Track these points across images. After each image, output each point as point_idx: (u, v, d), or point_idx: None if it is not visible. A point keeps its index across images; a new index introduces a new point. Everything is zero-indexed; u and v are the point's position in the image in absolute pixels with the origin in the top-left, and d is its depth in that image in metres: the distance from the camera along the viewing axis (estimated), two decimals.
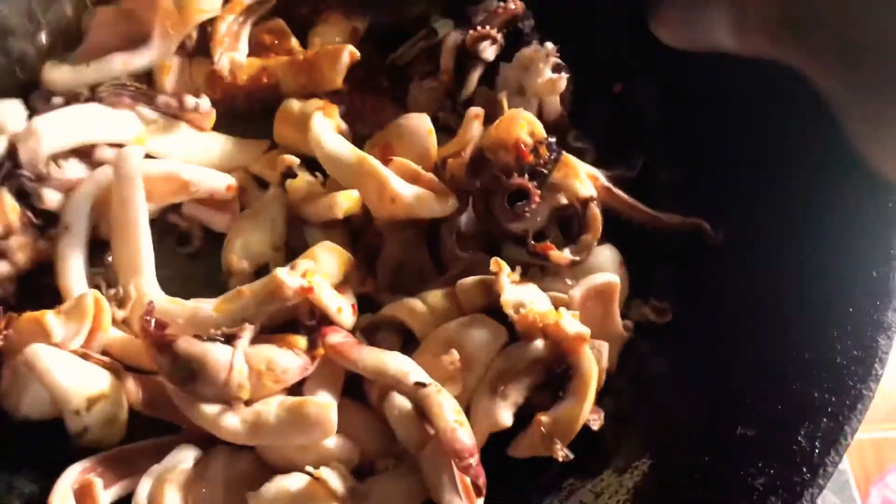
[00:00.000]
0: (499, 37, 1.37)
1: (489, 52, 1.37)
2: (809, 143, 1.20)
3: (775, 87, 1.19)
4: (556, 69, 1.32)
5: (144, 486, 1.12)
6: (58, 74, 1.32)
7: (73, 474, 1.13)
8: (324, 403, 1.10)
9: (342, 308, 1.19)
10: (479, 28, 1.36)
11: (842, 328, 1.11)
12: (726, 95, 1.30)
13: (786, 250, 1.19)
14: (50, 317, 1.15)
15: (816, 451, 1.06)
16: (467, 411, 1.12)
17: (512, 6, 1.38)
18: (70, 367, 1.14)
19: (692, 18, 1.16)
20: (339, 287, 1.22)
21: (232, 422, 1.10)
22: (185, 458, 1.14)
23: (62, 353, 1.15)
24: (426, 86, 1.40)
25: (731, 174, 1.28)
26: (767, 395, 1.13)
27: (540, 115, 1.32)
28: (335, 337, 1.15)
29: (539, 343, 1.14)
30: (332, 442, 1.11)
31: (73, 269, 1.23)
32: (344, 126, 1.34)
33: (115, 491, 1.13)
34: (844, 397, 1.08)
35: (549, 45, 1.33)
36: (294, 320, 1.20)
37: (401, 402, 1.13)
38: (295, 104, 1.34)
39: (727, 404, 1.15)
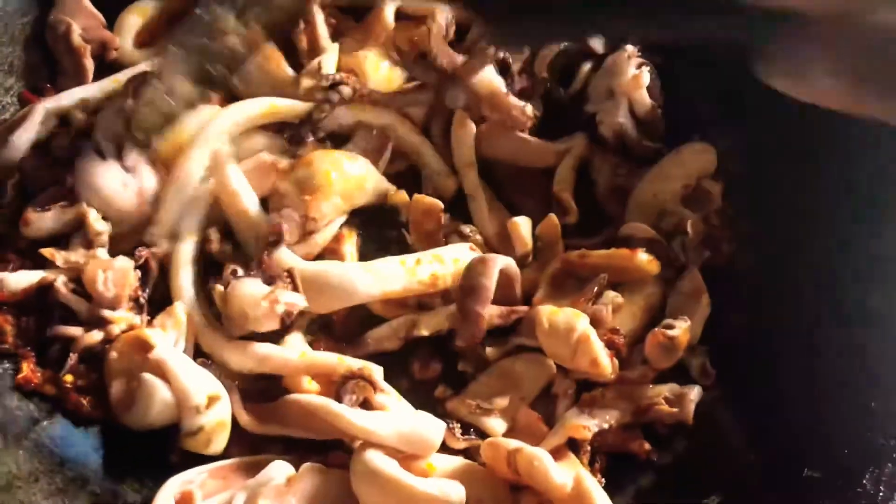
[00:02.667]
0: None
1: (597, 42, 1.46)
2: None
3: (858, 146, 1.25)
4: (639, 67, 1.42)
5: (239, 499, 1.18)
6: None
7: (174, 485, 1.19)
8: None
9: None
10: None
11: None
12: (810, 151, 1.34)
13: (858, 303, 1.23)
14: (150, 331, 1.24)
15: (881, 494, 1.10)
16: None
17: None
18: (191, 366, 1.23)
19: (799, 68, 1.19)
20: None
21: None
22: (277, 474, 1.19)
23: (182, 354, 1.23)
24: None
25: (809, 223, 1.31)
26: (834, 440, 1.17)
27: (632, 114, 1.42)
28: None
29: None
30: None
31: (184, 274, 1.32)
32: None
33: (213, 503, 1.20)
34: None
35: (630, 47, 1.43)
36: None
37: None
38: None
39: (795, 448, 1.19)
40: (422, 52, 1.40)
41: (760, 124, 1.39)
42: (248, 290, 1.22)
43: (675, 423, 1.25)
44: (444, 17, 1.45)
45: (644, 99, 1.43)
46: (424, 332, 1.26)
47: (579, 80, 1.48)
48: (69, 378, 1.25)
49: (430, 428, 1.18)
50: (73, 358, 1.25)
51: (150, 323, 1.27)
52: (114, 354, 1.25)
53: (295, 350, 1.24)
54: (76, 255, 1.27)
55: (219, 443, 1.23)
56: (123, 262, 1.27)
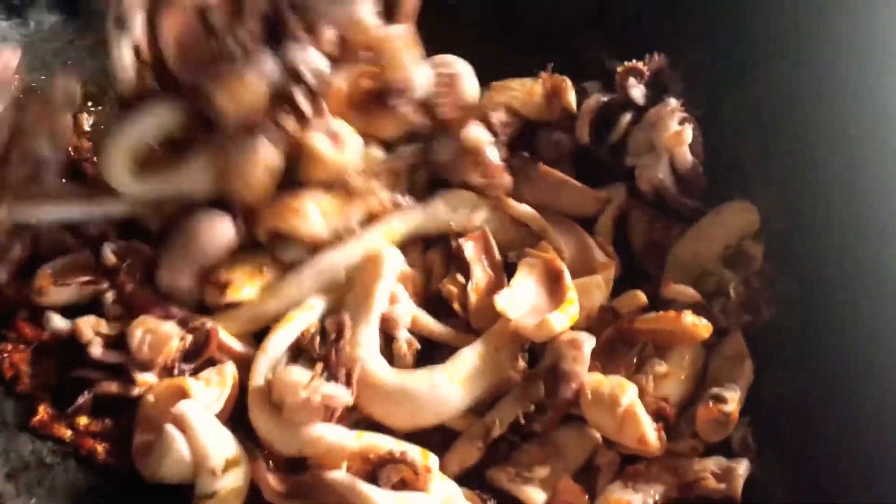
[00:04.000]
0: (645, 70, 1.43)
1: (636, 91, 1.42)
2: None
3: None
4: (682, 122, 1.39)
5: None
6: None
7: None
8: None
9: None
10: (626, 63, 1.43)
11: None
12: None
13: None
14: (192, 382, 1.19)
15: None
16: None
17: (657, 58, 1.44)
18: (214, 427, 1.17)
19: None
20: None
21: None
22: None
23: (207, 413, 1.18)
24: (555, 139, 1.46)
25: (850, 283, 1.29)
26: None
27: (672, 170, 1.39)
28: None
29: None
30: None
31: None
32: None
33: None
34: None
35: (673, 101, 1.39)
36: None
37: None
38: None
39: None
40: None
41: (802, 182, 1.37)
42: (292, 377, 1.17)
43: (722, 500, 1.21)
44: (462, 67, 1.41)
45: (686, 155, 1.40)
46: (500, 433, 1.21)
47: (618, 131, 1.43)
48: (83, 420, 1.20)
49: None
50: (86, 397, 1.20)
51: (195, 374, 1.23)
52: (150, 398, 1.20)
53: (351, 434, 1.18)
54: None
55: None
56: (168, 329, 1.22)
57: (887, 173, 1.27)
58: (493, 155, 1.37)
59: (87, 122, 1.36)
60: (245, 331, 1.28)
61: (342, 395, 1.16)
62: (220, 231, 1.26)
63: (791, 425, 1.28)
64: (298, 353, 1.26)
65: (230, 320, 1.27)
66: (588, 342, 1.23)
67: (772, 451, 1.26)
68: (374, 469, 1.14)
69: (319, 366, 1.18)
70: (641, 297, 1.31)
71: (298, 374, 1.18)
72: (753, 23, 1.43)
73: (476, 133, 1.37)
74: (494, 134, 1.40)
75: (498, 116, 1.42)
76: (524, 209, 1.37)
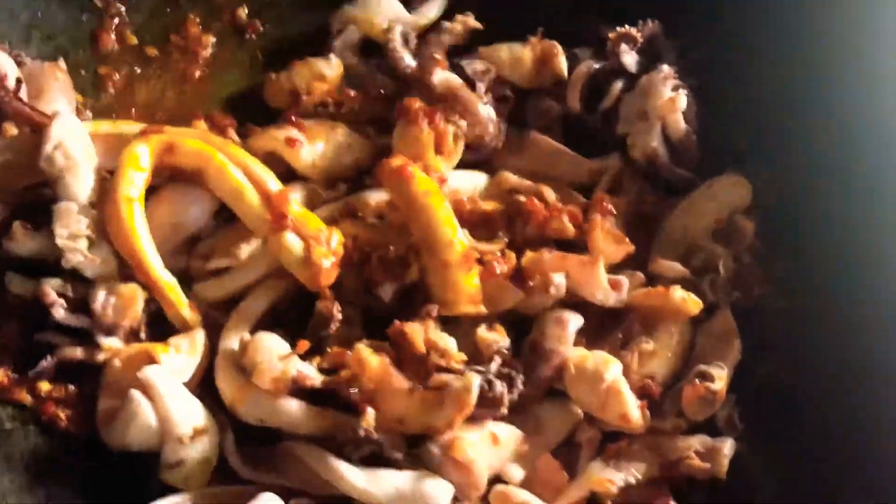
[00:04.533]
0: (638, 37, 1.39)
1: (628, 58, 1.39)
2: None
3: None
4: (675, 89, 1.35)
5: None
6: None
7: None
8: None
9: None
10: (618, 29, 1.39)
11: None
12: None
13: (891, 351, 1.19)
14: (158, 347, 1.16)
15: None
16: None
17: (650, 24, 1.40)
18: (182, 395, 1.15)
19: None
20: None
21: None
22: None
23: (175, 379, 1.15)
24: (544, 106, 1.42)
25: (843, 263, 1.27)
26: (868, 497, 1.13)
27: (666, 139, 1.35)
28: None
29: None
30: None
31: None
32: None
33: None
34: None
35: (667, 67, 1.36)
36: None
37: None
38: None
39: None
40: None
41: (797, 158, 1.34)
42: (270, 343, 1.15)
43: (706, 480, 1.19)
44: (400, 25, 1.39)
45: (679, 123, 1.36)
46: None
47: (610, 98, 1.40)
48: (45, 386, 1.18)
49: (437, 490, 1.11)
50: (49, 361, 1.17)
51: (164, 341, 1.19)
52: (116, 364, 1.17)
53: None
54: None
55: (197, 480, 1.15)
56: (130, 290, 1.18)
57: (881, 153, 1.25)
58: (475, 99, 1.34)
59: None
60: (228, 297, 1.25)
61: (314, 378, 1.14)
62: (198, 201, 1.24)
63: (778, 405, 1.26)
64: (276, 323, 1.23)
65: (214, 287, 1.25)
66: (574, 321, 1.21)
67: (757, 431, 1.24)
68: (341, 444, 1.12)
69: (305, 343, 1.16)
70: (640, 276, 1.27)
71: (275, 343, 1.15)
72: None
73: (445, 76, 1.34)
74: (472, 84, 1.35)
75: (473, 66, 1.37)
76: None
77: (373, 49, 1.44)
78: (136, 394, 1.12)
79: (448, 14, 1.45)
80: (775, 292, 1.32)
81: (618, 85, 1.39)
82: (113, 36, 1.35)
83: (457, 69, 1.36)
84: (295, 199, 1.24)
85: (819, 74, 1.32)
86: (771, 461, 1.23)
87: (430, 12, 1.45)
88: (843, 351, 1.23)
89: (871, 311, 1.22)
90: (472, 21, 1.37)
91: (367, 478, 1.10)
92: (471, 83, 1.35)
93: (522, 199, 1.28)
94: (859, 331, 1.23)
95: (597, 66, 1.40)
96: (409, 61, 1.37)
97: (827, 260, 1.29)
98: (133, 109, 1.38)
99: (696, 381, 1.20)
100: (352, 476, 1.10)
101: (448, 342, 1.15)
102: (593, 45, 1.43)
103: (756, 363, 1.28)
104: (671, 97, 1.34)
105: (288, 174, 1.31)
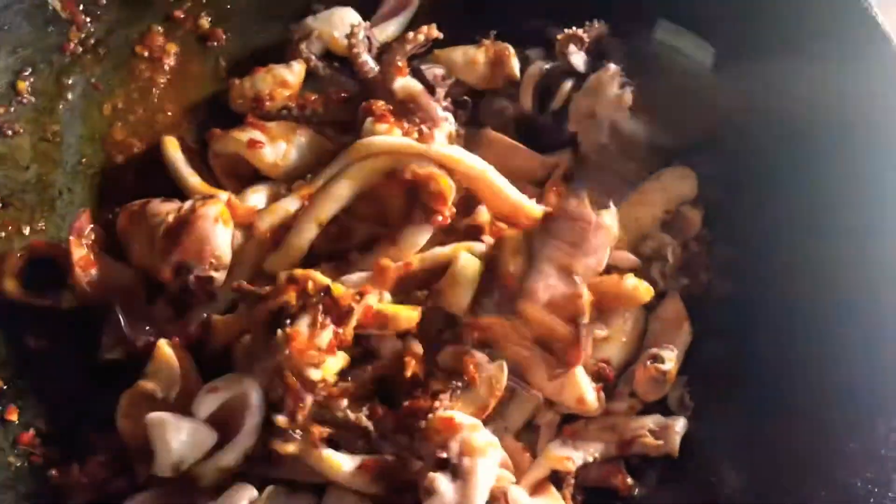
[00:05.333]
0: (585, 38, 1.43)
1: (577, 58, 1.43)
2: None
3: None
4: (623, 87, 1.40)
5: None
6: None
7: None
8: None
9: None
10: (566, 31, 1.43)
11: (888, 420, 1.15)
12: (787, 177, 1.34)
13: (835, 336, 1.23)
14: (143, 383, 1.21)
15: None
16: None
17: (597, 25, 1.44)
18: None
19: None
20: None
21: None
22: (240, 497, 1.16)
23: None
24: (498, 106, 1.47)
25: (787, 251, 1.31)
26: (809, 481, 1.17)
27: (614, 135, 1.40)
28: None
29: None
30: None
31: None
32: None
33: None
34: (886, 489, 1.12)
35: (613, 66, 1.40)
36: None
37: None
38: None
39: (769, 487, 1.20)
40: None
41: (738, 151, 1.39)
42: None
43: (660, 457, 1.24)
44: (363, 30, 1.42)
45: (626, 120, 1.41)
46: None
47: (560, 97, 1.44)
48: None
49: None
50: None
51: None
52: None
53: None
54: None
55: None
56: None
57: (826, 141, 1.28)
58: (434, 107, 1.38)
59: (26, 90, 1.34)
60: None
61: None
62: None
63: (727, 386, 1.30)
64: None
65: None
66: None
67: (708, 411, 1.29)
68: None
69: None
70: None
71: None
72: None
73: (407, 82, 1.38)
74: (431, 89, 1.40)
75: (432, 71, 1.42)
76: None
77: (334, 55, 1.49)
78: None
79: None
80: (722, 279, 1.37)
81: (567, 84, 1.44)
82: (80, 47, 1.37)
83: (417, 73, 1.40)
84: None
85: (763, 69, 1.35)
86: (721, 439, 1.27)
87: (390, 29, 1.49)
88: (786, 334, 1.28)
89: (813, 297, 1.26)
90: (434, 31, 1.41)
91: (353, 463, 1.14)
92: (430, 88, 1.39)
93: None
94: (802, 315, 1.27)
95: (547, 66, 1.45)
96: (371, 65, 1.40)
97: (770, 247, 1.33)
98: (100, 116, 1.41)
99: (648, 363, 1.25)
100: (345, 463, 1.14)
101: None
102: (543, 46, 1.47)
103: (705, 347, 1.33)
104: (618, 94, 1.39)
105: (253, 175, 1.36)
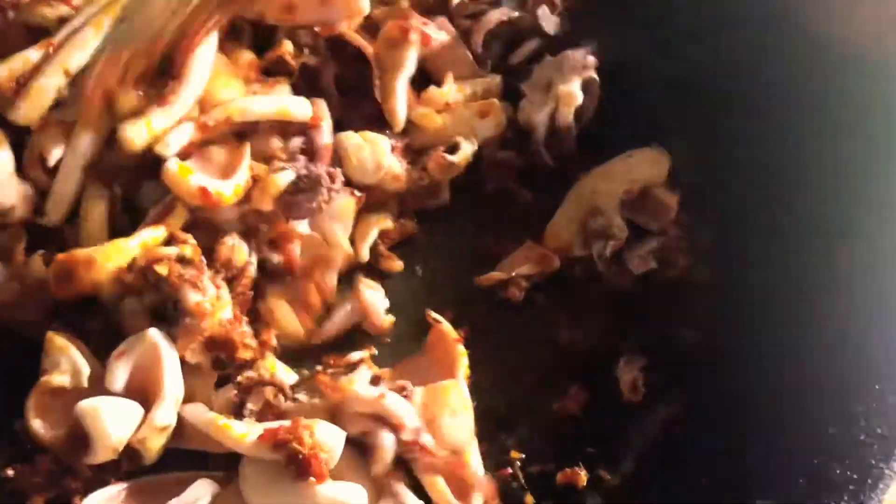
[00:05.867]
0: (559, 3, 1.42)
1: (548, 22, 1.41)
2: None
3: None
4: (586, 83, 1.37)
5: None
6: None
7: (94, 503, 1.13)
8: None
9: None
10: None
11: (867, 405, 1.12)
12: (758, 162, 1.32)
13: (814, 322, 1.21)
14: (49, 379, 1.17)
15: None
16: None
17: None
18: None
19: None
20: None
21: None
22: (203, 493, 1.14)
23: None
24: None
25: (765, 237, 1.30)
26: (787, 467, 1.13)
27: (551, 121, 1.38)
28: None
29: None
30: None
31: None
32: None
33: None
34: (865, 475, 1.09)
35: (592, 59, 1.38)
36: None
37: None
38: None
39: (747, 474, 1.16)
40: None
41: (715, 136, 1.37)
42: None
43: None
44: None
45: (568, 116, 1.38)
46: None
47: (518, 56, 1.44)
48: None
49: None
50: None
51: None
52: None
53: None
54: None
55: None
56: None
57: (804, 125, 1.28)
58: None
59: None
60: None
61: None
62: None
63: (700, 380, 1.28)
64: None
65: None
66: None
67: (681, 405, 1.27)
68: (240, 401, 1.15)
69: None
70: None
71: None
72: None
73: None
74: None
75: None
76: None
77: None
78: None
79: None
80: (699, 264, 1.35)
81: (531, 44, 1.43)
82: None
83: None
84: None
85: (742, 47, 1.34)
86: (694, 430, 1.24)
87: None
88: (766, 321, 1.26)
89: (792, 283, 1.25)
90: None
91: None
92: None
93: None
94: (782, 302, 1.25)
95: (514, 14, 1.42)
96: None
97: (749, 233, 1.32)
98: None
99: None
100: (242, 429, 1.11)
101: None
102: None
103: (681, 333, 1.32)
104: (570, 92, 1.36)
105: None
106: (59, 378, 1.16)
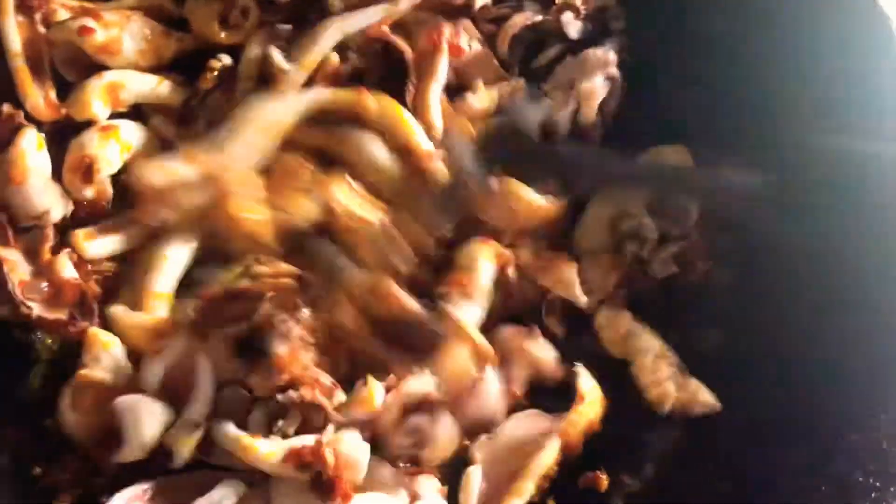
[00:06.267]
0: (582, 9, 1.41)
1: (572, 27, 1.40)
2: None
3: None
4: (608, 79, 1.37)
5: None
6: None
7: (120, 501, 1.13)
8: None
9: None
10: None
11: (890, 413, 1.13)
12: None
13: (838, 327, 1.20)
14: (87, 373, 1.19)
15: None
16: None
17: None
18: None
19: None
20: None
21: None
22: (229, 493, 1.14)
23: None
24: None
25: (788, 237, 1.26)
26: (810, 472, 1.14)
27: (574, 120, 1.38)
28: None
29: None
30: None
31: None
32: None
33: None
34: (888, 483, 1.10)
35: (613, 55, 1.37)
36: None
37: None
38: None
39: (770, 480, 1.17)
40: None
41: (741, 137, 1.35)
42: None
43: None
44: None
45: (591, 113, 1.38)
46: None
47: (542, 59, 1.43)
48: None
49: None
50: None
51: None
52: None
53: None
54: None
55: None
56: None
57: (825, 124, 1.27)
58: None
59: None
60: None
61: None
62: None
63: (725, 376, 1.27)
64: None
65: None
66: None
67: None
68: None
69: None
70: None
71: None
72: None
73: None
74: None
75: None
76: None
77: None
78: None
79: None
80: (722, 268, 1.35)
81: (553, 49, 1.42)
82: None
83: None
84: None
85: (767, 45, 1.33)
86: (716, 435, 1.24)
87: None
88: (788, 324, 1.26)
89: (816, 286, 1.24)
90: None
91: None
92: None
93: None
94: (805, 305, 1.25)
95: (538, 18, 1.42)
96: None
97: (769, 235, 1.28)
98: None
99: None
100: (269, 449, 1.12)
101: None
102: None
103: (703, 336, 1.32)
104: (592, 87, 1.36)
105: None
106: (100, 374, 1.17)
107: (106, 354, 1.19)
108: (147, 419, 1.12)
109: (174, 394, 1.16)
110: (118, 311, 1.23)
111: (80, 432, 1.17)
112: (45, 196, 1.27)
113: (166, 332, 1.20)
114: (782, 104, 1.31)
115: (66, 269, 1.25)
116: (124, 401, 1.13)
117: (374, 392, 1.15)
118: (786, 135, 1.29)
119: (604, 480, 1.23)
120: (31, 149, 1.27)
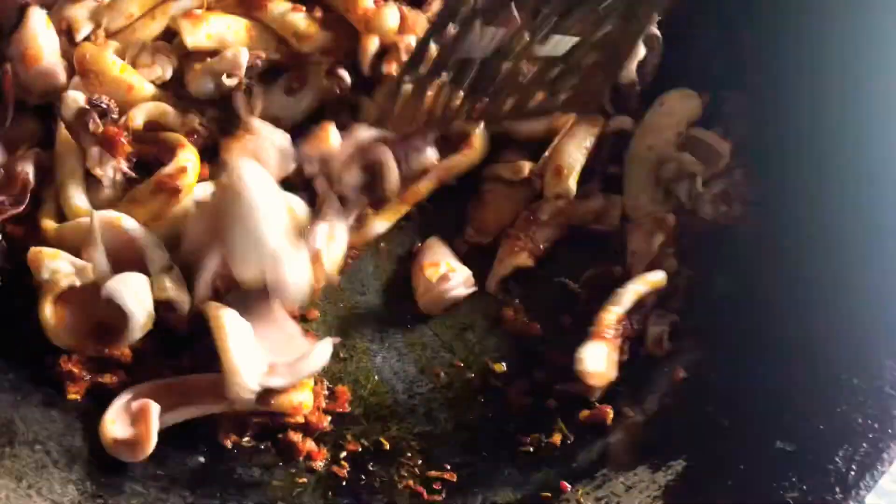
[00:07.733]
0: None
1: None
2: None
3: None
4: (647, 39, 1.38)
5: None
6: None
7: (128, 397, 1.17)
8: None
9: None
10: None
11: (894, 359, 1.13)
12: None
13: (843, 275, 1.21)
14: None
15: (852, 473, 1.06)
16: None
17: None
18: None
19: None
20: None
21: None
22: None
23: None
24: None
25: (810, 187, 1.30)
26: (811, 413, 1.14)
27: None
28: None
29: None
30: None
31: None
32: None
33: (169, 417, 1.16)
34: (887, 425, 1.09)
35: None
36: None
37: None
38: None
39: (769, 418, 1.16)
40: None
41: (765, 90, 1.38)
42: None
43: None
44: None
45: (630, 72, 1.39)
46: None
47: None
48: None
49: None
50: None
51: None
52: None
53: None
54: None
55: None
56: None
57: (852, 82, 1.27)
58: None
59: None
60: None
61: None
62: None
63: (730, 326, 1.29)
64: None
65: None
66: None
67: (708, 350, 1.28)
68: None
69: None
70: None
71: None
72: None
73: None
74: None
75: None
76: None
77: None
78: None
79: None
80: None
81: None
82: None
83: None
84: None
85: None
86: (719, 374, 1.25)
87: None
88: (800, 273, 1.26)
89: (830, 235, 1.25)
90: None
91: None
92: None
93: None
94: (819, 253, 1.25)
95: None
96: None
97: (793, 185, 1.32)
98: None
99: None
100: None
101: None
102: None
103: (716, 281, 1.33)
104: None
105: None
106: (66, 281, 1.18)
107: (61, 263, 1.19)
108: (139, 288, 1.16)
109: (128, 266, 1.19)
110: (48, 223, 1.26)
111: (74, 343, 1.19)
112: (59, 72, 1.30)
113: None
114: None
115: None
116: (111, 282, 1.16)
117: (330, 133, 1.22)
118: None
119: (609, 413, 1.24)
120: (41, 28, 1.30)
